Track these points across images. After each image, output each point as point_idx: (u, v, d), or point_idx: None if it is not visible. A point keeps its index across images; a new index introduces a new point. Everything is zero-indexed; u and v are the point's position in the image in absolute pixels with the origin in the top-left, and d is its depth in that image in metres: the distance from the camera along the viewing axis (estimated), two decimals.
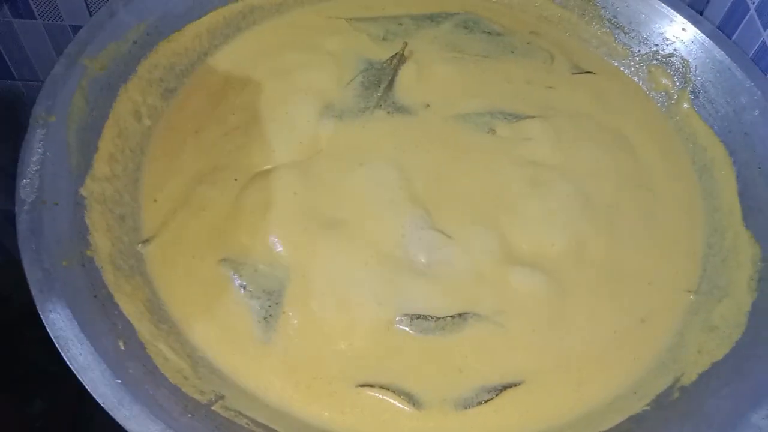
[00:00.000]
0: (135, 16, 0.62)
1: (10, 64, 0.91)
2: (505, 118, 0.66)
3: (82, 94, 0.56)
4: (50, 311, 0.44)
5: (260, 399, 0.49)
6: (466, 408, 0.50)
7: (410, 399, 0.50)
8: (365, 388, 0.50)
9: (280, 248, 0.55)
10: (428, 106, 0.66)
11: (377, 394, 0.50)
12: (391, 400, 0.50)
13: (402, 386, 0.50)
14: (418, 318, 0.53)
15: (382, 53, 0.69)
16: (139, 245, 0.55)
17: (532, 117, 0.66)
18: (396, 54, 0.68)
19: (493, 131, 0.64)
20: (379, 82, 0.67)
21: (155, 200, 0.58)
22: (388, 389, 0.50)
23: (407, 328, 0.52)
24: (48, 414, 0.69)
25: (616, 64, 0.76)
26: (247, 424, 0.46)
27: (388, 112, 0.65)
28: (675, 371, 0.53)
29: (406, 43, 0.69)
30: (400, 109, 0.65)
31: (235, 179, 0.58)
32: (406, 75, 0.68)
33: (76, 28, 0.85)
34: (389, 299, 0.53)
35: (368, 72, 0.68)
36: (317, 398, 0.49)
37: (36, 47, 0.89)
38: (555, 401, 0.51)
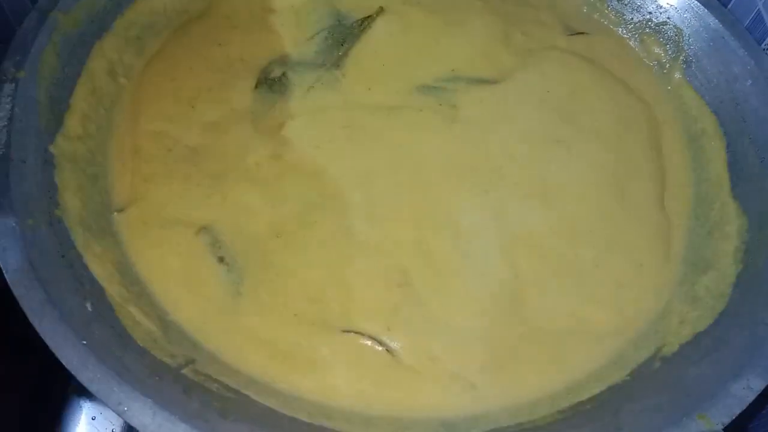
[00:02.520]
0: None
1: None
2: (468, 83, 0.64)
3: (53, 49, 0.54)
4: (14, 270, 0.43)
5: (231, 365, 0.48)
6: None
7: (383, 344, 0.50)
8: (344, 334, 0.50)
9: (255, 221, 0.54)
10: (385, 76, 0.63)
11: (356, 341, 0.50)
12: (365, 350, 0.50)
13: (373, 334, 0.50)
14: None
15: (355, 8, 0.67)
16: (115, 213, 0.53)
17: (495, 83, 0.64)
18: (368, 17, 0.66)
19: (454, 107, 0.62)
20: (344, 42, 0.65)
21: (123, 162, 0.56)
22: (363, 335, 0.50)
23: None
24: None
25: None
26: (217, 388, 0.45)
27: (343, 75, 0.63)
28: (657, 342, 0.52)
29: (381, 8, 0.67)
30: (354, 78, 0.63)
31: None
32: (375, 36, 0.66)
33: None
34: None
35: (334, 28, 0.66)
36: (291, 369, 0.48)
37: (14, 7, 0.87)
38: (533, 374, 0.51)
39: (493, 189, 0.58)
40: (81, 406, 0.58)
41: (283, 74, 0.61)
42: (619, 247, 0.57)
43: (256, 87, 0.61)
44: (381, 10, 0.67)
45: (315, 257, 0.52)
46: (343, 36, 0.65)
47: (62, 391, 0.59)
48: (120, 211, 0.53)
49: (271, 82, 0.61)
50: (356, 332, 0.50)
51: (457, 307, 0.52)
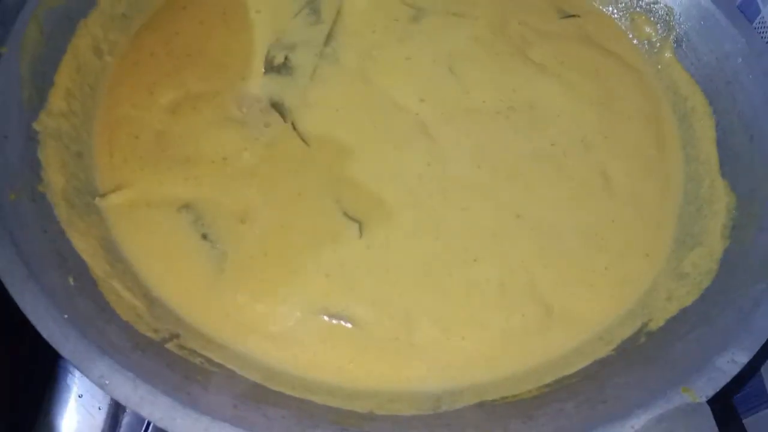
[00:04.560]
0: None
1: None
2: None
3: (36, 25, 0.54)
4: None
5: (215, 340, 0.48)
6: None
7: (361, 324, 0.50)
8: (319, 317, 0.50)
9: (240, 200, 0.53)
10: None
11: (330, 323, 0.50)
12: (344, 328, 0.49)
13: (354, 313, 0.50)
14: None
15: None
16: (97, 199, 0.53)
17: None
18: None
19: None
20: (326, 12, 0.65)
21: (104, 143, 0.55)
22: (341, 317, 0.50)
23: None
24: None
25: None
26: (201, 362, 0.45)
27: (341, 46, 0.62)
28: (643, 317, 0.52)
29: None
30: (352, 50, 0.63)
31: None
32: (355, 16, 0.65)
33: None
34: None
35: (313, 2, 0.65)
36: (272, 346, 0.48)
37: None
38: (517, 346, 0.51)
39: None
40: (68, 385, 0.58)
41: (286, 58, 0.61)
42: (631, 248, 0.56)
43: (265, 74, 0.60)
44: None
45: (294, 242, 0.52)
46: (323, 8, 0.65)
47: (49, 369, 0.59)
48: (102, 196, 0.53)
49: (278, 68, 0.61)
50: (334, 314, 0.50)
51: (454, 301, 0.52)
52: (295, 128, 0.58)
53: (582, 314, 0.52)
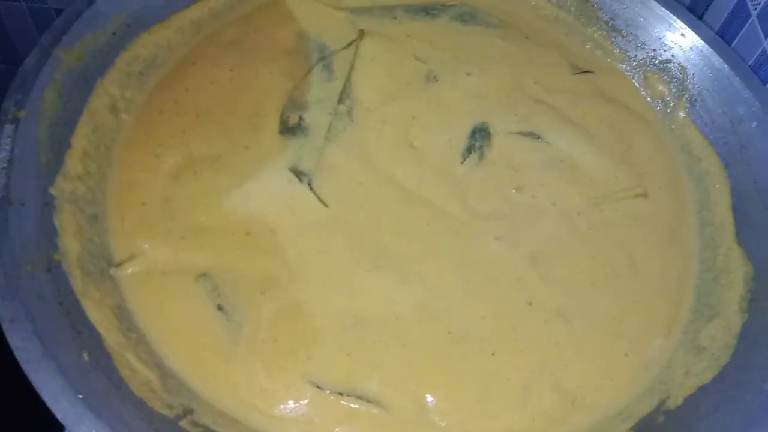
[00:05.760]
0: (114, 6, 0.59)
1: None
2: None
3: (55, 87, 0.54)
4: (11, 320, 0.42)
5: (229, 415, 0.47)
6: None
7: (380, 405, 0.49)
8: (336, 397, 0.49)
9: (263, 271, 0.53)
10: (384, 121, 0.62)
11: (347, 403, 0.49)
12: (361, 408, 0.49)
13: (371, 394, 0.49)
14: None
15: (335, 37, 0.67)
16: (112, 269, 0.52)
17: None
18: (352, 42, 0.66)
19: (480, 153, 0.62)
20: (337, 69, 0.65)
21: (116, 207, 0.55)
22: (359, 397, 0.49)
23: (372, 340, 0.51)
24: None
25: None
26: None
27: (353, 105, 0.62)
28: (661, 393, 0.52)
29: (362, 31, 0.67)
30: (366, 111, 0.63)
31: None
32: (366, 61, 0.65)
33: (60, 12, 0.82)
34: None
35: (325, 59, 0.65)
36: (288, 423, 0.48)
37: (19, 30, 0.87)
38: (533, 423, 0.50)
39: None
40: None
41: (300, 118, 0.61)
42: (650, 328, 0.56)
43: (281, 134, 0.60)
44: (362, 34, 0.67)
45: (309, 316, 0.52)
46: (336, 64, 0.65)
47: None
48: (117, 265, 0.52)
49: (293, 128, 0.60)
50: (352, 393, 0.49)
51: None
52: (312, 190, 0.57)
53: (603, 401, 0.52)
